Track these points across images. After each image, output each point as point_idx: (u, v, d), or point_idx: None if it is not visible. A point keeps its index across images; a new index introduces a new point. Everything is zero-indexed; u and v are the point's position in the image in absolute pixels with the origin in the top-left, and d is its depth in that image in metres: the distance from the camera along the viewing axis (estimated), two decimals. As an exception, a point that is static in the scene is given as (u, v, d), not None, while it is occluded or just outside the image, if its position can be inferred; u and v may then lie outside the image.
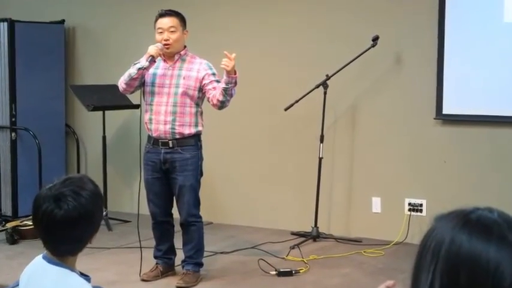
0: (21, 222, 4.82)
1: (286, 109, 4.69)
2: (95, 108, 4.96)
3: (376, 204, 4.80)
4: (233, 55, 3.57)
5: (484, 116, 4.49)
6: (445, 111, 4.59)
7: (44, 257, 1.66)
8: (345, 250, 4.50)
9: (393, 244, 4.60)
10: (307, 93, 4.67)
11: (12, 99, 5.28)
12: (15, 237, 4.67)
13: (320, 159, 4.71)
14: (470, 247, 0.87)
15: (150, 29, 3.90)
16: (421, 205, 4.67)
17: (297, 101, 4.66)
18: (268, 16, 5.08)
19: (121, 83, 3.79)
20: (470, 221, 0.90)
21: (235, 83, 3.64)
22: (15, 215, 5.21)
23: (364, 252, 4.46)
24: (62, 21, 5.69)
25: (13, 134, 5.29)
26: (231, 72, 3.59)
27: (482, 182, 4.45)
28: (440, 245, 0.89)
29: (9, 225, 4.79)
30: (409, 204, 4.70)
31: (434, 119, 4.59)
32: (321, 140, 4.71)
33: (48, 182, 1.64)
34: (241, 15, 5.17)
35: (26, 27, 5.38)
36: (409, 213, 4.69)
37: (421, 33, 4.61)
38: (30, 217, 1.72)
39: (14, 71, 5.27)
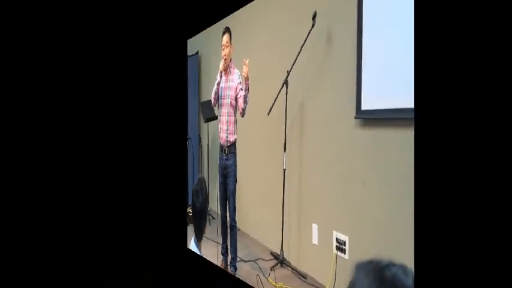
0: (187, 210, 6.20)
1: (268, 113, 4.18)
2: (208, 120, 5.71)
3: (315, 234, 3.55)
4: (247, 61, 3.74)
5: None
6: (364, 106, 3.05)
7: (194, 240, 2.10)
8: (297, 285, 3.68)
9: (324, 291, 3.39)
10: (277, 96, 4.01)
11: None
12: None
13: (284, 170, 3.95)
14: None
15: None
16: (344, 243, 3.22)
17: (273, 104, 4.10)
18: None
19: (211, 97, 4.44)
20: (385, 281, 0.88)
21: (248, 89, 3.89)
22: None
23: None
24: (197, 53, 6.22)
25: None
26: (247, 79, 3.86)
27: (399, 204, 2.78)
28: None
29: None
30: (336, 240, 3.30)
31: (355, 118, 3.11)
32: (284, 149, 3.94)
33: (194, 180, 2.12)
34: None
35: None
36: (336, 252, 3.30)
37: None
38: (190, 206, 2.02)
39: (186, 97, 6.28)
